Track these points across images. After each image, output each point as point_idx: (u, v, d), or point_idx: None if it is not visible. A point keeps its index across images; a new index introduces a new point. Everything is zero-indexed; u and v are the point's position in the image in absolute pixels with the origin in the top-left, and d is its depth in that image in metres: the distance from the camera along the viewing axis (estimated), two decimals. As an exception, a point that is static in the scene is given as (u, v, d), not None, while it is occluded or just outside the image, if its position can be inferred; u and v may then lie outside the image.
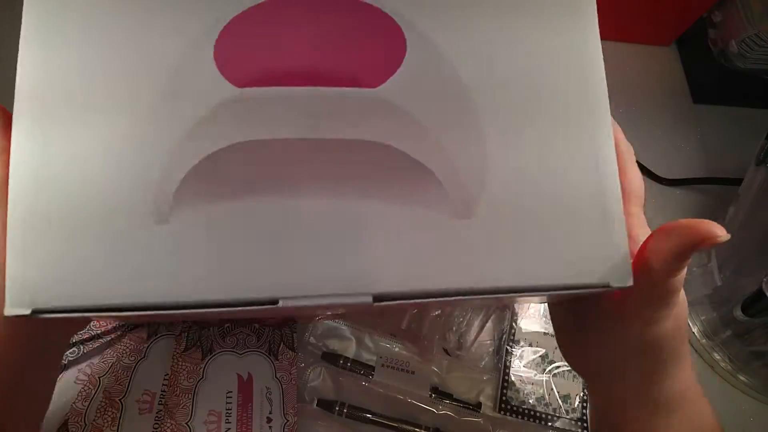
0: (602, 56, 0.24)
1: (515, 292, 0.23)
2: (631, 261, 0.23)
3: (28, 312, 0.20)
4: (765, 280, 0.36)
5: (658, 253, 0.22)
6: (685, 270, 0.22)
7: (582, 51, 0.24)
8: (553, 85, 0.24)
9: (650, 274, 0.22)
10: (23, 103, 0.22)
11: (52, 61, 0.23)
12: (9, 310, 0.20)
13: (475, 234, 0.22)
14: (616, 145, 0.24)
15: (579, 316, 0.28)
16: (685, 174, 0.52)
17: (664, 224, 0.22)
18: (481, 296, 0.23)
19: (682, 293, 0.23)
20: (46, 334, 0.27)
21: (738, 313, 0.39)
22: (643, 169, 0.51)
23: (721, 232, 0.20)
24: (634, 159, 0.25)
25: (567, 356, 0.31)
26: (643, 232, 0.24)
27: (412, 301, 0.22)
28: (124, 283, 0.21)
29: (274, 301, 0.21)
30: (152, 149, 0.22)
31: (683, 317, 0.24)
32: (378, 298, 0.21)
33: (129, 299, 0.21)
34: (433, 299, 0.22)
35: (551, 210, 0.23)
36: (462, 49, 0.24)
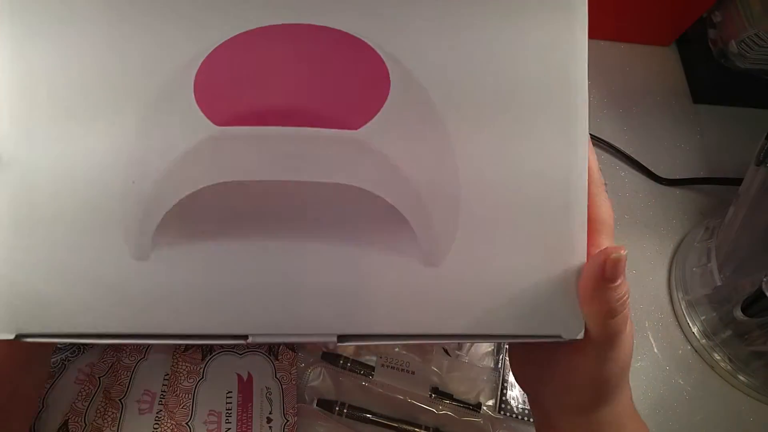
0: (587, 92, 0.24)
1: (470, 338, 0.24)
2: None
3: (12, 336, 0.21)
4: (765, 280, 0.36)
5: (583, 291, 0.22)
6: (625, 311, 0.22)
7: (568, 81, 0.24)
8: (538, 125, 0.23)
9: (588, 314, 0.23)
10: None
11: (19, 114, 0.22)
12: None
13: (439, 283, 0.23)
14: (589, 173, 0.24)
15: (532, 346, 0.29)
16: (685, 174, 0.52)
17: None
18: (438, 341, 0.24)
19: (628, 330, 0.24)
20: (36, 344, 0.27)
21: (738, 313, 0.39)
22: (643, 169, 0.51)
23: (617, 251, 0.21)
24: (603, 188, 0.24)
25: (515, 374, 0.31)
26: None
27: (375, 342, 0.24)
28: (103, 314, 0.22)
29: (244, 337, 0.22)
30: (133, 188, 0.22)
31: (629, 353, 0.24)
32: (342, 338, 0.22)
33: (107, 329, 0.22)
34: (394, 341, 0.24)
35: (514, 263, 0.23)
36: (445, 88, 0.23)
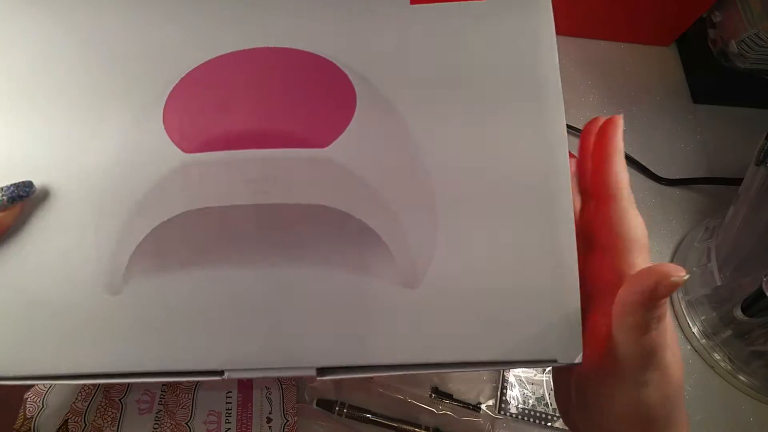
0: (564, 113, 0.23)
1: (458, 367, 0.22)
2: None
3: None
4: (765, 280, 0.36)
5: (621, 304, 0.20)
6: (662, 329, 0.20)
7: (539, 84, 0.23)
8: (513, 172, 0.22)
9: (620, 330, 0.20)
10: None
11: None
12: None
13: (420, 306, 0.21)
14: (619, 189, 0.22)
15: (571, 376, 0.26)
16: (685, 174, 0.52)
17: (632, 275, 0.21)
18: (425, 371, 0.22)
19: (671, 356, 0.21)
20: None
21: (738, 313, 0.39)
22: (643, 169, 0.51)
23: (678, 273, 0.19)
24: (634, 204, 0.23)
25: (562, 411, 0.28)
26: None
27: (356, 375, 0.22)
28: (78, 353, 0.21)
29: (220, 372, 0.21)
30: (105, 221, 0.22)
31: (675, 382, 0.21)
32: (322, 371, 0.21)
33: (82, 369, 0.21)
34: (377, 373, 0.22)
35: (501, 282, 0.22)
36: (413, 100, 0.23)
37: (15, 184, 0.21)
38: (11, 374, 0.21)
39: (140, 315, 0.21)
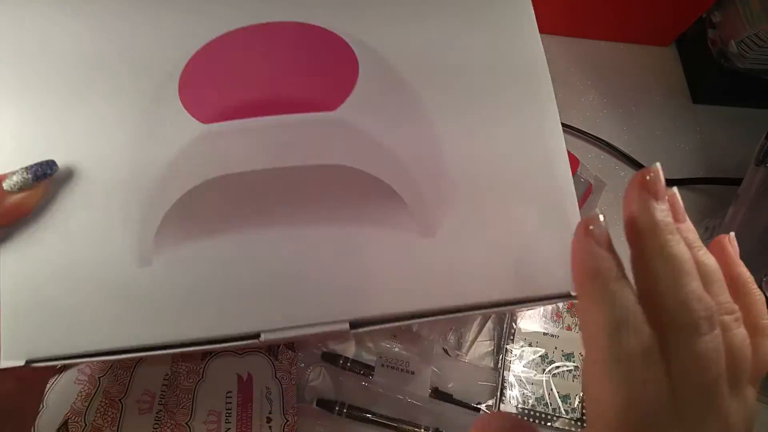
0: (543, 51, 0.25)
1: (480, 308, 0.23)
2: None
3: (22, 363, 0.21)
4: (765, 280, 0.35)
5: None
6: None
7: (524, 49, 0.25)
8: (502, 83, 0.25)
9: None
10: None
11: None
12: (4, 363, 0.21)
13: (438, 253, 0.23)
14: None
15: None
16: (685, 174, 0.52)
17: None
18: (449, 316, 0.23)
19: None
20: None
21: (738, 313, 0.39)
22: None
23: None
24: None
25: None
26: None
27: (388, 325, 0.22)
28: (113, 328, 0.21)
29: (256, 335, 0.22)
30: (130, 196, 0.22)
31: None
32: (354, 324, 0.22)
33: (118, 343, 0.21)
34: (409, 321, 0.23)
35: (511, 227, 0.23)
36: (411, 59, 0.24)
37: (38, 163, 0.22)
38: (46, 355, 0.21)
39: (172, 284, 0.22)
